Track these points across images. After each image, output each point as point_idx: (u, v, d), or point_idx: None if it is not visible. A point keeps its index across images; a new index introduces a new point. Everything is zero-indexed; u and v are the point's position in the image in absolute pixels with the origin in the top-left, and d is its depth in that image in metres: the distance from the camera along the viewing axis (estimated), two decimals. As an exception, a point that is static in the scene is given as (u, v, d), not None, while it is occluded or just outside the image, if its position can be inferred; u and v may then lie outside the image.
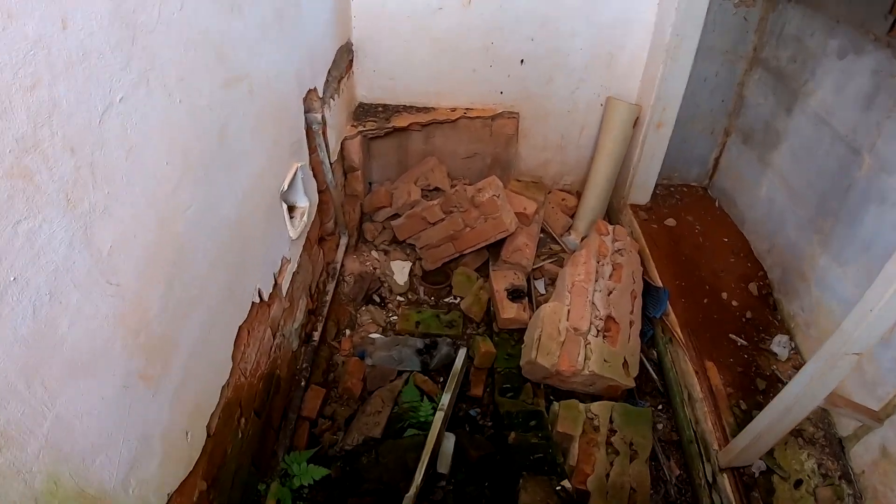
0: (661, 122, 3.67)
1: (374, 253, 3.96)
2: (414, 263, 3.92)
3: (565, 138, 4.03)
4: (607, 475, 2.79)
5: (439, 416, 2.94)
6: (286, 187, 2.70)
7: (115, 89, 1.43)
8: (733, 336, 3.31)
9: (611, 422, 3.03)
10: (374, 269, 3.85)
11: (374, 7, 3.52)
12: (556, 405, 3.11)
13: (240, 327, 2.30)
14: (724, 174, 4.13)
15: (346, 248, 3.80)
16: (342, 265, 3.73)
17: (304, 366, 3.10)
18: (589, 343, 3.18)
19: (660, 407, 3.37)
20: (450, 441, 2.95)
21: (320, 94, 3.12)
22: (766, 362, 3.16)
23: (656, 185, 4.13)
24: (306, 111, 2.97)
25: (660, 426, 3.26)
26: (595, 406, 3.07)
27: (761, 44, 3.71)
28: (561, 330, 3.21)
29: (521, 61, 3.68)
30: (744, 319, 3.41)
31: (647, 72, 3.65)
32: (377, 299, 3.80)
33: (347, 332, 3.56)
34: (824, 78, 3.20)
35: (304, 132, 2.95)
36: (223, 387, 2.16)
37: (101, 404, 1.43)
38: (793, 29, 3.46)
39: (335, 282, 3.58)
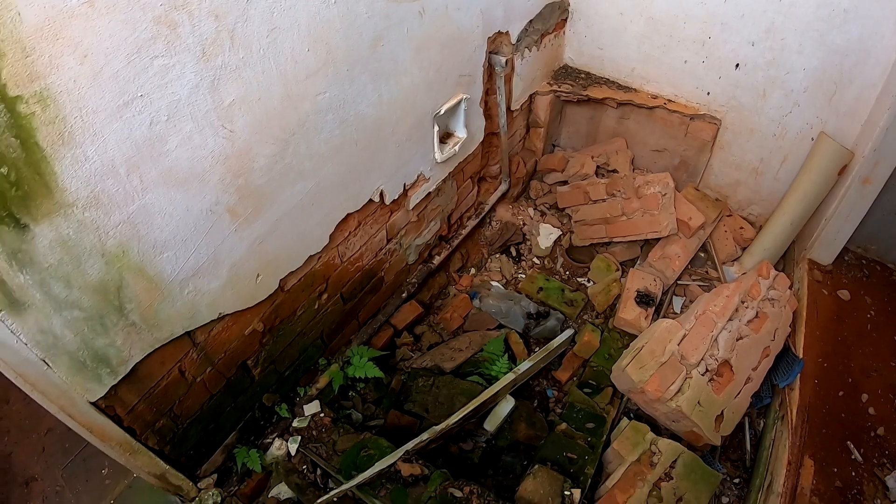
0: (870, 178, 3.17)
1: (529, 210, 4.16)
2: (564, 235, 4.03)
3: (764, 163, 3.67)
4: None
5: (509, 376, 3.12)
6: (442, 112, 3.03)
7: (267, -23, 1.86)
8: (851, 445, 2.95)
9: (672, 466, 2.90)
10: (524, 224, 4.05)
11: (596, -30, 3.56)
12: (625, 421, 3.07)
13: (348, 214, 2.75)
14: None
15: (504, 196, 4.06)
16: (493, 209, 4.00)
17: (412, 281, 3.50)
18: (691, 377, 3.04)
19: (736, 481, 3.15)
20: (507, 405, 3.12)
21: (513, 41, 3.35)
22: (872, 490, 2.77)
23: (846, 251, 3.63)
24: (492, 52, 3.23)
25: (725, 500, 3.07)
26: (664, 443, 2.94)
27: None
28: (667, 351, 3.11)
29: (737, 65, 3.42)
30: (873, 433, 3.00)
31: (872, 117, 3.13)
32: (513, 252, 4.02)
33: (472, 270, 3.87)
34: None
35: (483, 70, 3.23)
36: (311, 256, 2.64)
37: (184, 214, 1.96)
38: None
39: (479, 221, 3.88)
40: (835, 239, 3.56)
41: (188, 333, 2.20)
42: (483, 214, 3.92)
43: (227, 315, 2.35)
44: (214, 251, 2.14)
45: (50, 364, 1.79)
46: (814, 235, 3.61)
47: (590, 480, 2.78)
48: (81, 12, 1.44)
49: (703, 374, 3.04)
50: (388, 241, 3.18)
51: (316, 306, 2.85)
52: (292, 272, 2.58)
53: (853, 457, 2.90)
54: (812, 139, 3.42)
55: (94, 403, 1.99)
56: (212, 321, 2.28)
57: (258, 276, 2.40)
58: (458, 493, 2.46)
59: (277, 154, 2.22)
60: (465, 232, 3.80)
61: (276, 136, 2.18)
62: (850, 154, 3.26)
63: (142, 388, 2.14)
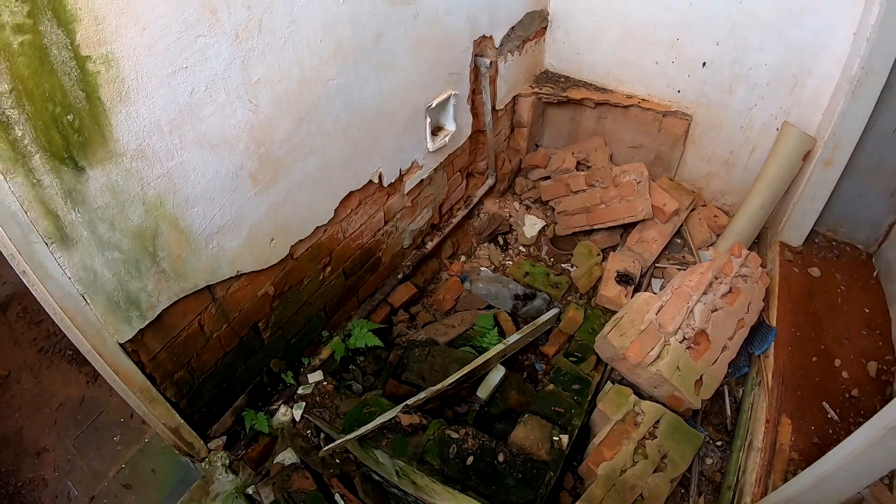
0: (831, 160, 3.54)
1: (515, 204, 4.53)
2: (548, 225, 4.38)
3: (734, 155, 4.07)
4: (623, 470, 2.97)
5: (499, 347, 3.42)
6: (433, 105, 3.40)
7: (289, -23, 2.23)
8: (826, 406, 3.20)
9: (655, 426, 3.18)
10: (510, 216, 4.41)
11: (573, -18, 4.00)
12: (609, 385, 3.37)
13: (351, 192, 3.09)
14: (893, 244, 3.79)
15: (491, 190, 4.43)
16: (481, 202, 4.36)
17: (407, 263, 3.84)
18: (669, 344, 3.33)
19: (719, 443, 3.40)
20: (498, 373, 3.41)
21: (497, 45, 3.75)
22: (849, 447, 3.02)
23: (816, 234, 3.98)
24: (478, 54, 3.62)
25: (708, 461, 3.32)
26: (646, 404, 3.23)
27: None
28: (645, 320, 3.42)
29: (704, 64, 3.83)
30: (847, 395, 3.26)
31: (831, 104, 3.53)
32: (501, 241, 4.37)
33: (463, 258, 4.21)
34: None
35: (470, 70, 3.62)
36: (318, 227, 2.97)
37: (214, 175, 2.29)
38: None
39: (468, 212, 4.24)
40: (803, 221, 3.90)
41: (209, 288, 2.50)
42: (472, 206, 4.28)
43: (244, 274, 2.65)
44: (237, 211, 2.46)
45: (88, 301, 2.06)
46: (783, 219, 3.95)
47: (577, 431, 3.06)
48: None
49: (680, 342, 3.33)
50: (386, 223, 3.51)
51: (321, 277, 3.16)
52: (301, 240, 2.89)
53: (829, 416, 3.13)
54: (777, 129, 3.79)
55: (122, 346, 2.26)
56: (230, 278, 2.58)
57: (272, 239, 2.71)
58: (454, 435, 2.76)
59: (293, 129, 2.55)
60: (455, 221, 4.15)
61: (293, 113, 2.52)
62: (813, 140, 3.63)
63: (165, 336, 2.42)
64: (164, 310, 2.34)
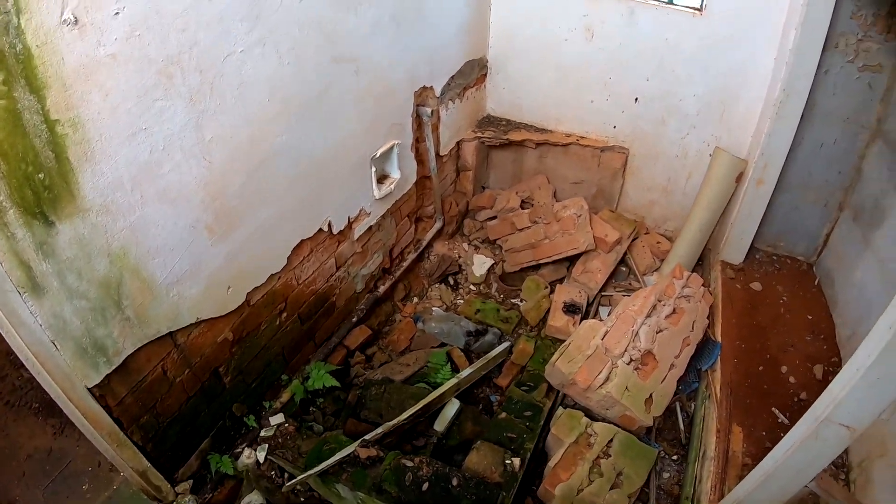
0: (762, 179, 3.96)
1: (464, 244, 4.88)
2: (496, 263, 4.74)
3: (672, 182, 4.52)
4: (580, 489, 3.19)
5: (452, 381, 3.71)
6: (378, 155, 3.75)
7: (237, 44, 2.56)
8: (776, 411, 3.46)
9: (609, 445, 3.45)
10: (459, 256, 4.75)
11: (509, 30, 4.46)
12: (560, 410, 3.65)
13: (302, 240, 3.38)
14: (831, 252, 4.19)
15: (440, 232, 4.77)
16: (430, 245, 4.70)
17: (361, 307, 4.11)
18: (616, 366, 3.63)
19: (675, 458, 3.67)
20: (453, 406, 3.68)
21: (437, 94, 4.15)
22: (801, 447, 3.29)
23: (757, 251, 4.38)
24: (419, 104, 4.01)
25: (665, 475, 3.58)
26: (599, 425, 3.50)
27: (885, 114, 3.74)
28: (591, 345, 3.73)
29: (636, 99, 4.30)
30: (796, 399, 3.54)
31: (759, 126, 3.95)
32: (451, 282, 4.69)
33: (415, 299, 4.51)
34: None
35: (412, 119, 4.00)
36: (273, 275, 3.24)
37: (173, 227, 2.56)
38: (916, 98, 3.41)
39: (418, 255, 4.57)
40: (741, 239, 4.30)
41: (171, 334, 2.74)
42: (421, 249, 4.61)
43: (204, 321, 2.89)
44: (195, 261, 2.72)
45: (58, 347, 2.26)
46: (723, 239, 4.35)
47: (529, 454, 3.32)
48: (107, 62, 2.07)
49: (628, 364, 3.61)
50: (338, 268, 3.80)
51: (277, 323, 3.42)
52: (257, 287, 3.16)
53: (780, 420, 3.37)
54: (710, 155, 4.21)
55: (90, 390, 2.45)
56: (191, 325, 2.82)
57: (229, 287, 2.97)
58: (409, 463, 3.00)
59: (245, 183, 2.85)
60: (405, 265, 4.47)
61: (245, 168, 2.83)
62: (744, 162, 4.03)
63: (131, 381, 2.63)
64: (129, 355, 2.56)
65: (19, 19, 1.76)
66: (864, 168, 3.94)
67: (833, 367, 3.70)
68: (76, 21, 1.92)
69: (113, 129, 2.17)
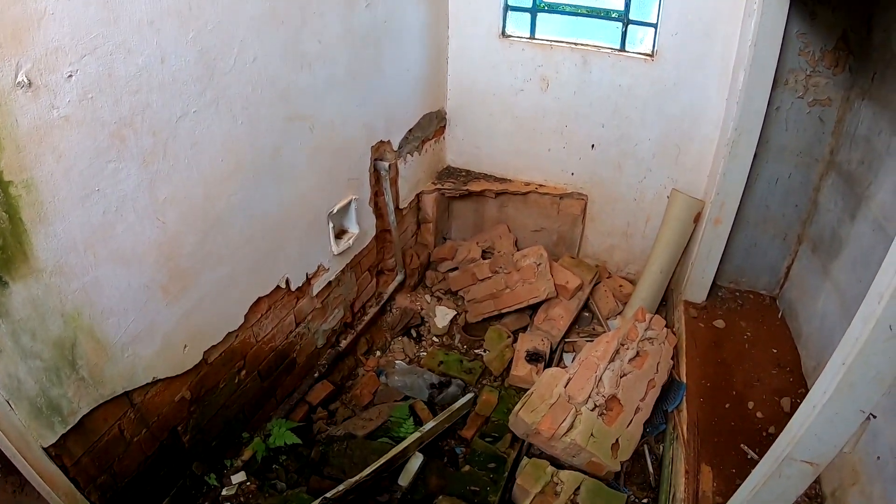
0: (720, 218, 4.20)
1: (427, 296, 5.04)
2: (459, 314, 4.90)
3: (631, 226, 4.77)
4: None
5: (415, 435, 3.82)
6: (335, 210, 3.94)
7: (190, 104, 2.76)
8: (745, 447, 3.56)
9: (575, 493, 3.57)
10: (421, 308, 4.91)
11: (466, 83, 4.75)
12: (525, 460, 3.77)
13: (259, 298, 3.51)
14: (793, 284, 4.40)
15: (401, 285, 4.94)
16: (392, 298, 4.85)
17: (322, 362, 4.23)
18: (580, 413, 3.77)
19: (645, 501, 3.78)
20: (417, 460, 3.78)
21: (395, 148, 4.38)
22: (773, 481, 3.41)
23: (720, 288, 4.61)
24: (376, 158, 4.23)
25: (637, 520, 3.70)
26: (564, 473, 3.62)
27: (837, 146, 3.96)
28: (554, 394, 3.89)
29: (592, 146, 4.57)
30: (765, 433, 3.65)
31: (713, 166, 4.22)
32: (414, 334, 4.83)
33: (378, 353, 4.64)
34: (885, 179, 3.33)
35: (370, 174, 4.20)
36: (230, 333, 3.36)
37: (126, 288, 2.69)
38: (864, 129, 3.65)
39: (380, 308, 4.71)
40: (702, 278, 4.51)
41: (127, 394, 2.82)
42: (383, 302, 4.76)
43: (160, 380, 2.99)
44: (150, 321, 2.84)
45: (13, 406, 2.33)
46: (685, 278, 4.55)
47: (490, 506, 3.43)
48: (59, 124, 2.22)
49: (592, 410, 3.75)
50: (297, 324, 3.93)
51: (236, 381, 3.52)
52: (214, 346, 3.27)
53: (749, 457, 3.44)
54: (667, 197, 4.45)
55: (46, 450, 2.51)
56: (147, 384, 2.91)
57: (185, 346, 3.08)
58: (371, 519, 3.09)
59: (200, 242, 3.00)
60: (367, 319, 4.60)
61: (199, 227, 2.98)
62: (701, 202, 4.26)
63: (87, 441, 2.70)
64: (84, 415, 2.63)
65: (-27, 83, 1.90)
66: (820, 200, 4.17)
67: (800, 398, 3.79)
68: (30, 84, 2.06)
69: (66, 190, 2.31)
